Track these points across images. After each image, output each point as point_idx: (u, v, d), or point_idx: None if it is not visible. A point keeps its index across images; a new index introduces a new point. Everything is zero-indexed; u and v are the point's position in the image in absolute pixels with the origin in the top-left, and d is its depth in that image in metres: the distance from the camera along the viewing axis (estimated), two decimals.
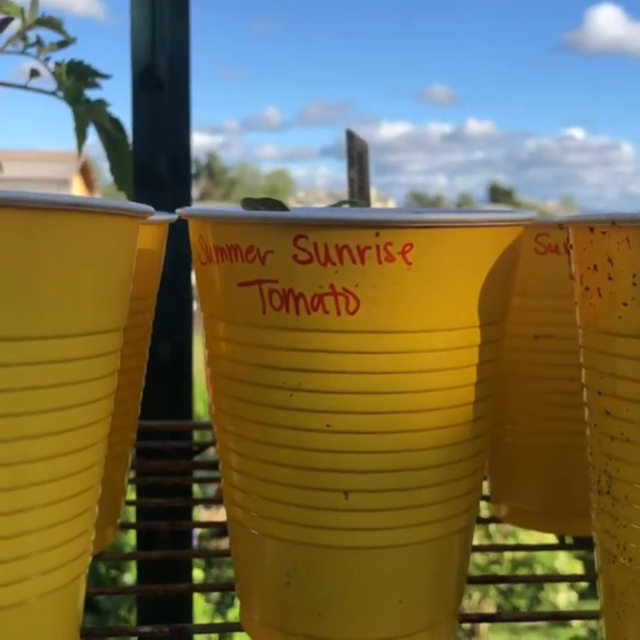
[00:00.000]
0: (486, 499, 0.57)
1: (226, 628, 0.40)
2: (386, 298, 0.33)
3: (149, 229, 0.44)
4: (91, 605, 1.72)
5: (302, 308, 0.33)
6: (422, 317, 0.33)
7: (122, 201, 0.30)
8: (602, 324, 0.34)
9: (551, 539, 0.59)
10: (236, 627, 0.39)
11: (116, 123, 0.78)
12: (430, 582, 0.37)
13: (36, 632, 0.30)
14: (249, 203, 0.37)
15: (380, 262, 0.32)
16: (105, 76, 0.78)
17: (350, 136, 0.58)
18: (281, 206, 0.37)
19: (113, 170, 0.78)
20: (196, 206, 0.39)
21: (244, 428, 0.36)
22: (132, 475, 0.67)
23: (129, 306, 0.33)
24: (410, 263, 0.33)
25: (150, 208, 0.32)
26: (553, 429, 0.51)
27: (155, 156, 0.76)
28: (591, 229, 0.34)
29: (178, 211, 0.37)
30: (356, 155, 0.58)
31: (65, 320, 0.29)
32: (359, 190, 0.58)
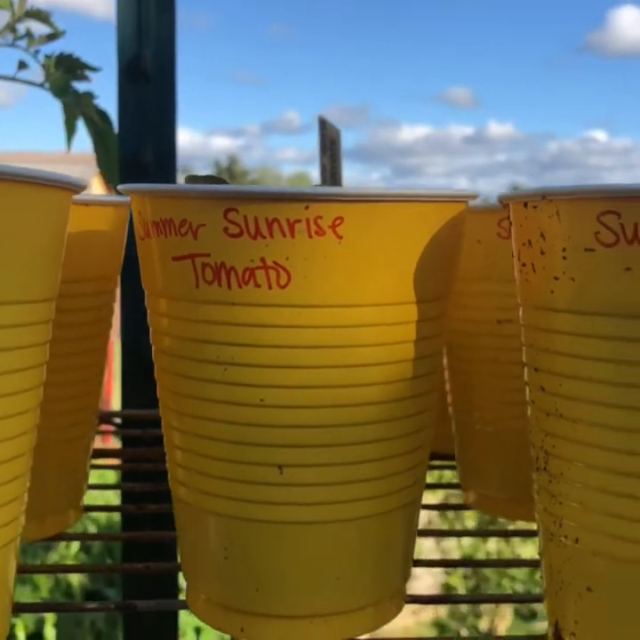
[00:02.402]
0: (457, 486, 0.57)
1: (172, 606, 0.40)
2: (317, 272, 0.33)
3: (107, 211, 0.45)
4: None
5: (234, 282, 0.33)
6: (354, 292, 0.33)
7: (50, 172, 0.30)
8: (536, 299, 0.34)
9: None
10: (183, 604, 0.39)
11: (102, 115, 0.78)
12: (371, 559, 0.37)
13: None
14: (192, 179, 0.37)
15: (310, 236, 0.32)
16: (94, 69, 0.79)
17: (322, 123, 0.58)
18: (225, 183, 0.37)
19: (100, 162, 0.79)
20: None
21: (182, 404, 0.36)
22: (118, 461, 0.68)
23: (60, 277, 0.33)
24: (340, 237, 0.33)
25: (81, 180, 0.32)
26: (519, 415, 0.50)
27: (140, 147, 0.77)
28: (525, 205, 0.34)
29: (119, 186, 0.37)
30: (329, 142, 0.58)
31: None
32: (331, 177, 0.58)
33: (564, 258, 0.32)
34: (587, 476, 0.33)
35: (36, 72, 0.77)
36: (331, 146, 0.58)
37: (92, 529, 1.96)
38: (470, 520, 2.71)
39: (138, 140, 0.77)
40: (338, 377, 0.34)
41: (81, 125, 0.76)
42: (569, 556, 0.34)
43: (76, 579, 1.95)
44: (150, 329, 0.38)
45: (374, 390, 0.35)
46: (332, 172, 0.58)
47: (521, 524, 0.56)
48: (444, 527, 2.61)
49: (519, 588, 2.51)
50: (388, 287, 0.34)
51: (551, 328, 0.34)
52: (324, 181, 0.58)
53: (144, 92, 0.77)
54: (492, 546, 2.84)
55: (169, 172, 0.77)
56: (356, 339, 0.34)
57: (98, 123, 0.77)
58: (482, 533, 0.67)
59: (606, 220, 0.31)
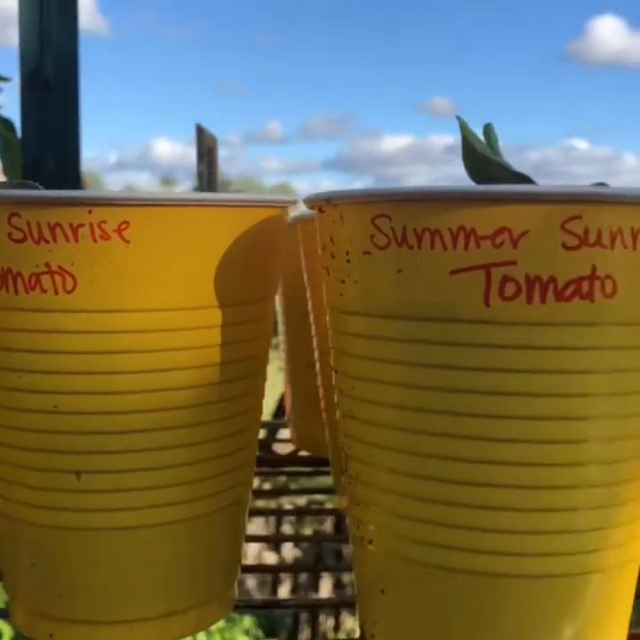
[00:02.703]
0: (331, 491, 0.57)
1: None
2: (103, 276, 0.33)
3: None
4: None
5: (21, 288, 0.33)
6: (146, 296, 0.33)
7: None
8: (332, 302, 0.34)
9: None
10: (3, 613, 0.39)
11: (6, 123, 0.79)
12: (184, 563, 0.36)
13: None
14: (3, 186, 0.37)
15: (94, 240, 0.32)
16: (4, 79, 0.79)
17: (200, 131, 0.58)
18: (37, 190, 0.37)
19: (5, 169, 0.79)
20: None
21: None
22: None
23: None
24: (127, 241, 0.33)
25: None
26: None
27: (42, 154, 0.77)
28: (320, 209, 0.34)
29: None
30: (205, 149, 0.58)
31: None
32: (208, 184, 0.58)
33: (348, 261, 0.32)
34: (378, 478, 0.33)
35: None
36: (208, 153, 0.59)
37: None
38: None
39: (39, 146, 0.77)
40: (133, 382, 0.34)
41: None
42: (367, 559, 0.34)
43: None
44: None
45: (174, 395, 0.35)
46: (209, 179, 0.58)
47: None
48: None
49: None
50: (181, 291, 0.34)
51: (344, 330, 0.34)
52: (202, 188, 0.58)
53: (45, 99, 0.77)
54: None
55: (71, 179, 0.77)
56: (149, 343, 0.34)
57: (2, 131, 0.77)
58: None
59: (379, 224, 0.31)
